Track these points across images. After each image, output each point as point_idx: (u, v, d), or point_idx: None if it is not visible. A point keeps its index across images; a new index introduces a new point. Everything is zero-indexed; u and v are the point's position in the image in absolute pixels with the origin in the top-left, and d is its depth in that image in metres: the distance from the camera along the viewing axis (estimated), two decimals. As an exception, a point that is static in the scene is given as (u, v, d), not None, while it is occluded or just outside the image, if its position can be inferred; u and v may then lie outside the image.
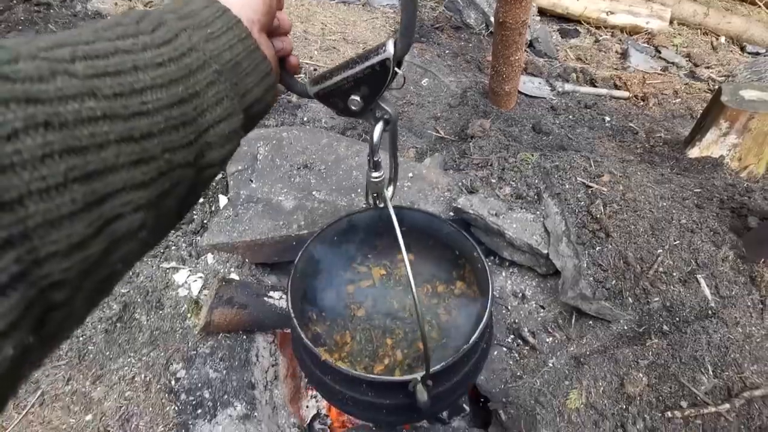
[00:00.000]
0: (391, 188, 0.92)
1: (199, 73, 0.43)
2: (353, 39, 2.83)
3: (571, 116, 2.42)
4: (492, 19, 2.88)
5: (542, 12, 3.34)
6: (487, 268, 1.09)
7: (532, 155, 1.67)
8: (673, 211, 1.42)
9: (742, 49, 3.42)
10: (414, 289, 0.76)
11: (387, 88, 0.67)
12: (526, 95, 2.52)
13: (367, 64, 0.63)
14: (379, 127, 0.70)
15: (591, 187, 1.45)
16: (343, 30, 2.89)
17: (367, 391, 0.99)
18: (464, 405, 1.30)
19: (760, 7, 3.76)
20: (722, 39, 3.46)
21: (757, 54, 3.37)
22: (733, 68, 3.11)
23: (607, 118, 2.45)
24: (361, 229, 1.42)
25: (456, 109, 2.42)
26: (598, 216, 1.34)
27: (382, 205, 0.91)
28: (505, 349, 1.30)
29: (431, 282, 1.41)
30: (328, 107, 0.69)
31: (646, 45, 3.25)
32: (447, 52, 2.76)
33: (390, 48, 0.61)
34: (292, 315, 1.06)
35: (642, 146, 2.21)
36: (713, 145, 1.93)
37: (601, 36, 3.27)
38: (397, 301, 1.42)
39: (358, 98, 0.67)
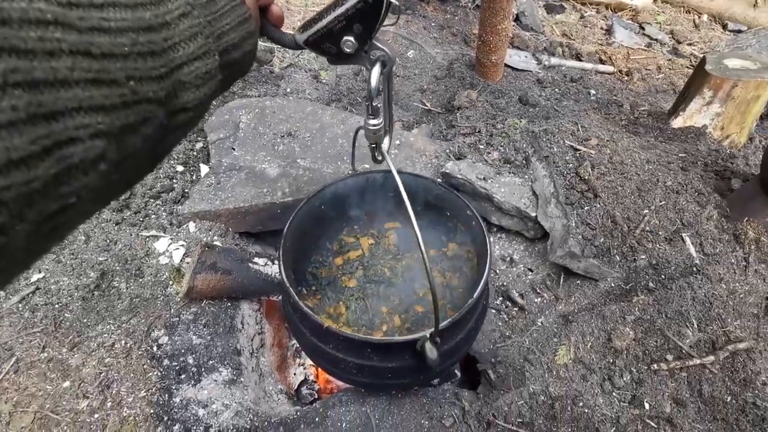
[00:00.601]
0: (387, 139, 0.89)
1: (170, 2, 0.41)
2: (337, 11, 2.77)
3: (557, 89, 2.42)
4: (478, -9, 2.85)
5: (528, -13, 3.31)
6: (482, 224, 1.07)
7: (520, 121, 1.66)
8: (659, 174, 1.42)
9: (724, 27, 3.45)
10: (421, 242, 0.74)
11: (382, 23, 0.63)
12: (512, 68, 2.50)
13: None
14: (376, 70, 0.67)
15: (579, 149, 1.45)
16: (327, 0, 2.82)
17: (373, 356, 0.97)
18: (456, 371, 1.30)
19: None
20: (704, 17, 3.49)
21: (739, 32, 3.40)
22: (714, 45, 3.14)
23: (593, 92, 2.45)
24: (346, 197, 1.39)
25: (442, 81, 2.39)
26: (586, 177, 1.34)
27: (380, 157, 0.88)
28: (494, 311, 1.29)
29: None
30: (320, 55, 0.66)
31: (630, 21, 3.26)
32: (433, 24, 2.72)
33: None
34: (287, 284, 1.03)
35: (627, 118, 2.21)
36: (696, 114, 1.94)
37: (586, 12, 3.26)
38: (388, 269, 1.40)
39: (351, 39, 0.63)
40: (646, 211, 1.29)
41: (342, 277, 1.41)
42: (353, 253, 1.47)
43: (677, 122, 2.01)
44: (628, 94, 2.52)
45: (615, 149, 1.47)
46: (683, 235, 1.24)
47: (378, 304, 1.32)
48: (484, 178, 1.45)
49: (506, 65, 2.46)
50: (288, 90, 2.22)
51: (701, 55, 3.07)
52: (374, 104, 0.74)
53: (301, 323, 1.05)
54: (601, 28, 3.17)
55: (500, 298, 1.32)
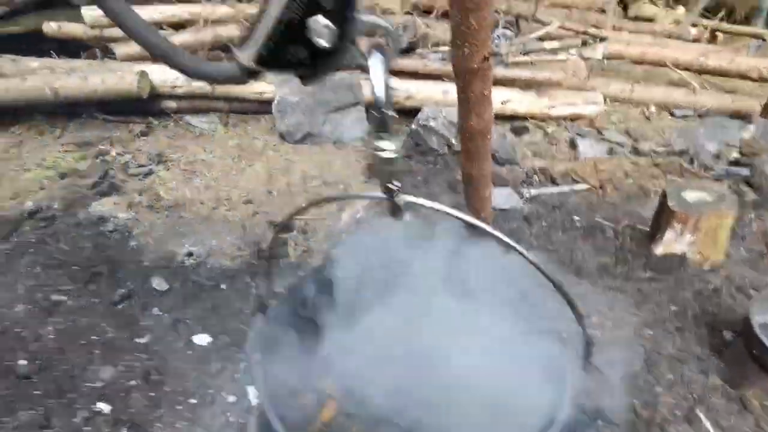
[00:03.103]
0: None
1: None
2: (333, 180, 3.09)
3: (544, 223, 2.68)
4: (453, 140, 3.22)
5: (492, 116, 3.72)
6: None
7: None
8: (659, 340, 1.61)
9: (672, 114, 3.85)
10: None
11: None
12: (500, 209, 2.78)
13: None
14: (377, 59, 0.44)
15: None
16: (321, 173, 3.15)
17: None
18: None
19: (668, 67, 4.21)
20: (652, 108, 3.90)
21: (686, 116, 3.80)
22: (668, 137, 3.49)
23: (576, 218, 2.72)
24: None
25: (441, 237, 2.65)
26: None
27: (401, 200, 0.58)
28: None
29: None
30: (284, 73, 0.47)
31: (588, 129, 3.63)
32: (419, 179, 3.04)
33: None
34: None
35: (613, 244, 2.45)
36: (674, 243, 2.18)
37: (549, 128, 3.64)
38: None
39: (322, 23, 0.40)
40: (659, 389, 1.46)
41: None
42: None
43: (659, 249, 2.24)
44: (607, 210, 2.79)
45: (615, 320, 1.67)
46: (697, 412, 1.40)
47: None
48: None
49: (493, 208, 2.74)
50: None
51: (659, 149, 3.41)
52: (388, 113, 0.48)
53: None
54: (566, 141, 3.53)
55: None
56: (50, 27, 3.60)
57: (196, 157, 3.19)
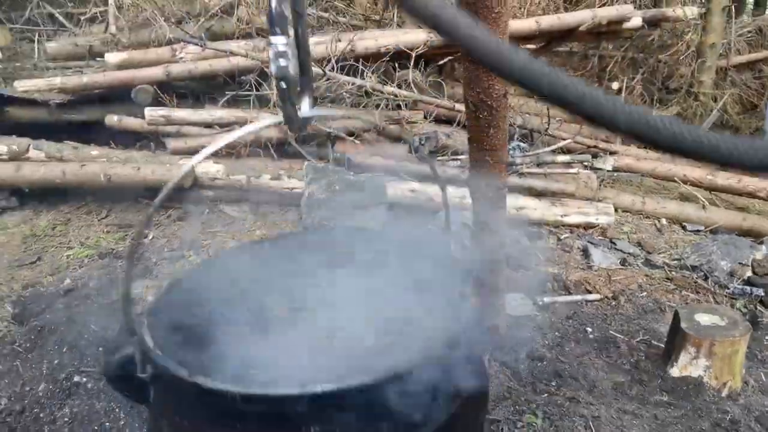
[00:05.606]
0: (306, 99, 0.71)
1: None
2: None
3: (556, 333, 2.69)
4: (465, 242, 3.37)
5: (507, 220, 3.89)
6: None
7: (536, 415, 1.86)
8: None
9: (684, 228, 3.96)
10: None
11: None
12: (512, 316, 2.81)
13: None
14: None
15: (598, 460, 1.61)
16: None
17: None
18: None
19: (677, 183, 4.39)
20: (663, 221, 4.03)
21: (698, 231, 3.89)
22: (681, 251, 3.56)
23: (589, 329, 2.73)
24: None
25: (454, 340, 2.67)
26: (612, 500, 1.47)
27: (300, 108, 0.69)
28: None
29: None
30: None
31: (601, 238, 3.74)
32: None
33: None
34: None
35: (627, 361, 2.43)
36: (689, 366, 2.16)
37: (561, 235, 3.77)
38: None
39: None
40: None
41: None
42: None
43: (674, 371, 2.22)
44: (620, 322, 2.80)
45: (629, 449, 1.64)
46: None
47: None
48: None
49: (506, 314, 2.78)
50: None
51: (672, 263, 3.47)
52: (276, 8, 0.47)
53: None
54: (578, 249, 3.63)
55: None
56: (112, 119, 4.04)
57: (224, 245, 3.39)
